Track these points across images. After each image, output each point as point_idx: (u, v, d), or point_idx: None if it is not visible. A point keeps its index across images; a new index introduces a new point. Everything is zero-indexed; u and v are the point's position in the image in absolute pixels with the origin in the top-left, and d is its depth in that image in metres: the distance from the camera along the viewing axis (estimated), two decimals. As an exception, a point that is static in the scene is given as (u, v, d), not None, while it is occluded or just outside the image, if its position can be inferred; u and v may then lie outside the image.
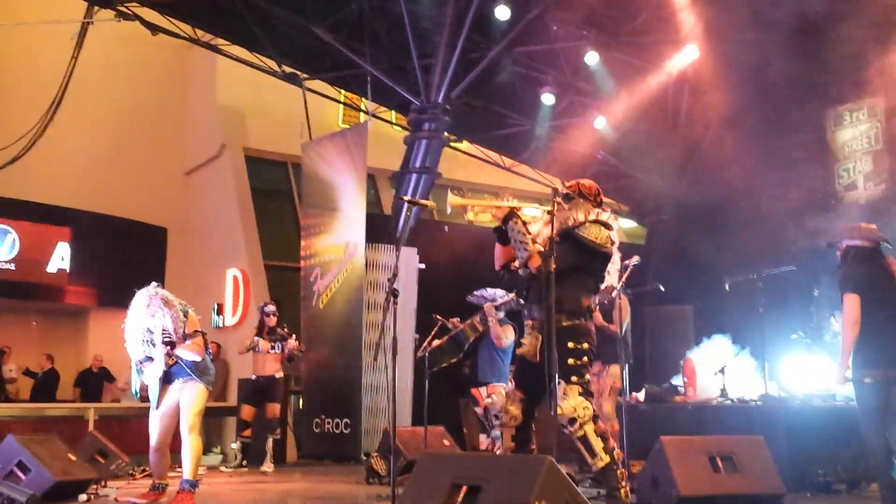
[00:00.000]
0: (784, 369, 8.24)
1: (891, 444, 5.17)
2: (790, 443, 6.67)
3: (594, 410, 4.63)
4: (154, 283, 6.13)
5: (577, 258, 4.65)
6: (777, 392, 7.52)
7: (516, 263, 4.75)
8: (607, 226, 4.70)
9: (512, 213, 4.73)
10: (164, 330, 5.93)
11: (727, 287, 8.41)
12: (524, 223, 4.74)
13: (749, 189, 11.77)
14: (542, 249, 4.60)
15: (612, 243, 4.72)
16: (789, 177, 12.11)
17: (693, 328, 11.71)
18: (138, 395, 6.22)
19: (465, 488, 3.56)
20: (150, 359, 5.99)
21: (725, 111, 12.15)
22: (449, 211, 4.83)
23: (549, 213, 4.57)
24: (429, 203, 4.94)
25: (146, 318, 5.90)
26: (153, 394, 6.11)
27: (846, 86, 11.19)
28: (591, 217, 4.66)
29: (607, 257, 4.76)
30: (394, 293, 4.62)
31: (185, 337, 6.02)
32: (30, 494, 5.14)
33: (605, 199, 5.04)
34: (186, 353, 6.02)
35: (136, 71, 15.16)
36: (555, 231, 4.52)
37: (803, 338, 7.93)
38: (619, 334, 6.96)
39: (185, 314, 6.08)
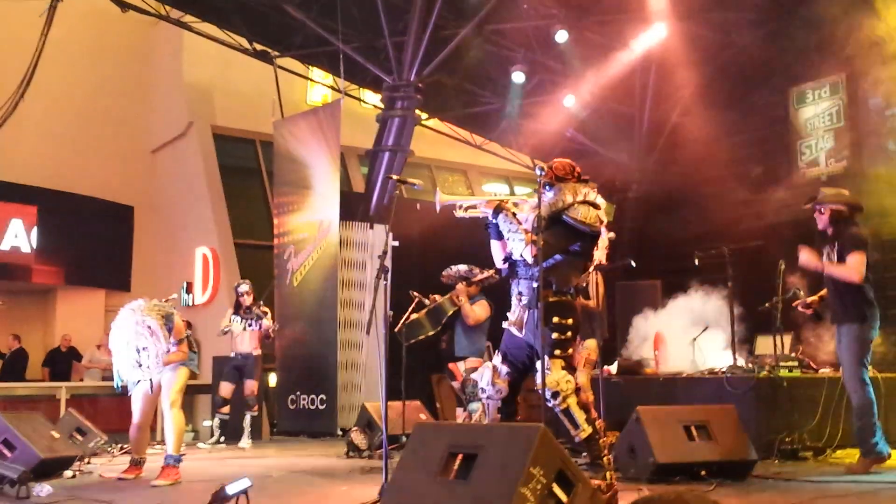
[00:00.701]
0: (752, 341, 8.50)
1: None
2: (758, 412, 6.91)
3: (576, 383, 4.77)
4: (140, 304, 6.08)
5: (568, 240, 4.75)
6: (745, 363, 7.74)
7: (512, 254, 4.84)
8: (595, 205, 4.79)
9: (500, 207, 4.82)
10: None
11: (696, 262, 8.62)
12: (513, 214, 4.84)
13: (715, 165, 12.00)
14: (534, 238, 4.71)
15: (601, 222, 4.82)
16: (754, 153, 12.39)
17: (662, 302, 11.95)
18: (119, 389, 6.27)
19: (460, 456, 3.69)
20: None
21: (692, 89, 12.37)
22: (438, 208, 4.91)
23: (535, 191, 4.67)
24: (418, 181, 5.00)
25: (134, 337, 5.92)
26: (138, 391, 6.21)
27: (809, 64, 11.44)
28: (580, 198, 4.75)
29: (597, 237, 4.87)
30: (384, 270, 4.72)
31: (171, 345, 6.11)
32: (22, 471, 5.18)
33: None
34: (171, 363, 6.12)
35: (101, 48, 14.99)
36: (542, 214, 4.61)
37: (770, 310, 8.15)
38: (597, 310, 7.13)
39: (171, 321, 6.11)
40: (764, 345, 8.48)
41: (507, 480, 3.40)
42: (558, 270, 4.69)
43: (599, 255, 4.99)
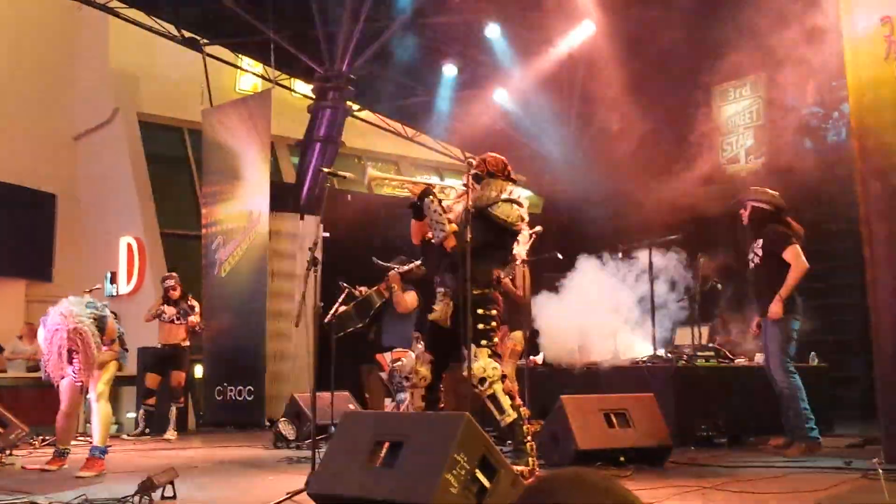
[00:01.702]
0: (671, 332, 8.77)
1: None
2: (676, 401, 7.15)
3: (502, 371, 4.91)
4: (71, 309, 5.89)
5: (489, 235, 4.87)
6: (664, 353, 7.99)
7: (433, 238, 4.94)
8: (518, 203, 4.93)
9: (428, 191, 4.91)
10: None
11: (619, 255, 8.85)
12: (440, 202, 4.93)
13: (640, 160, 12.29)
14: (457, 229, 4.82)
15: (523, 220, 4.96)
16: (678, 149, 12.72)
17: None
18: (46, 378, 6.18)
19: (387, 444, 3.77)
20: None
21: (619, 85, 12.62)
22: (367, 182, 4.98)
23: (464, 185, 4.78)
24: (351, 175, 5.06)
25: (66, 342, 5.78)
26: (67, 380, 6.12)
27: (730, 62, 11.77)
28: (504, 195, 4.88)
29: (517, 234, 5.00)
30: (314, 262, 4.77)
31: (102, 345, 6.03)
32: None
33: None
34: (102, 363, 6.08)
35: (22, 30, 14.57)
36: (469, 206, 4.73)
37: (687, 301, 8.42)
38: (525, 301, 7.29)
39: (104, 322, 6.02)
40: (683, 336, 8.77)
41: (431, 466, 3.50)
42: (479, 264, 4.81)
43: (520, 249, 5.14)
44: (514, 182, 5.03)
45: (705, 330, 8.74)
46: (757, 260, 6.40)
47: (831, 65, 8.11)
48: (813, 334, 8.00)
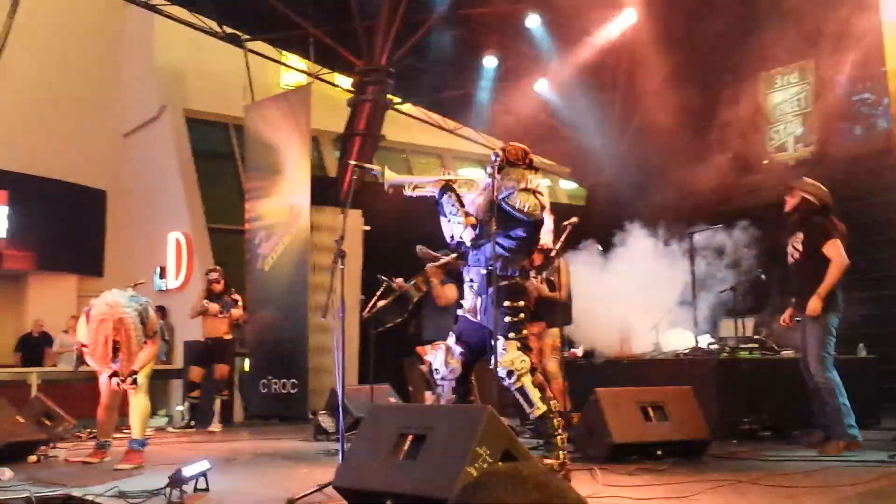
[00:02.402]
0: (715, 323, 8.62)
1: None
2: (718, 394, 7.02)
3: (532, 363, 4.85)
4: (116, 300, 5.93)
5: (508, 226, 4.79)
6: (707, 345, 7.85)
7: (455, 237, 4.90)
8: (537, 192, 4.85)
9: (447, 187, 4.87)
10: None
11: (664, 245, 8.72)
12: (458, 196, 4.89)
13: (685, 150, 12.10)
14: (474, 222, 4.78)
15: (543, 208, 4.88)
16: (723, 138, 12.49)
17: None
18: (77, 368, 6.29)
19: (410, 437, 3.76)
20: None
21: (662, 74, 12.44)
22: (385, 186, 4.95)
23: (489, 175, 4.73)
24: (376, 166, 5.03)
25: (112, 333, 5.84)
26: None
27: (778, 49, 11.53)
28: (521, 185, 4.80)
29: (538, 223, 4.92)
30: (341, 254, 4.76)
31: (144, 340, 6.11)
32: (-20, 455, 5.20)
33: (538, 159, 5.21)
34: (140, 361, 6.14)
35: (70, 31, 14.86)
36: (493, 197, 4.68)
37: (732, 292, 8.26)
38: (559, 299, 7.21)
39: (147, 315, 6.10)
40: (728, 327, 8.61)
41: (453, 459, 3.48)
42: (504, 256, 4.75)
43: (546, 239, 5.06)
44: (536, 170, 4.94)
45: (750, 321, 8.57)
46: (797, 255, 6.23)
47: (881, 50, 7.89)
48: (861, 325, 7.81)
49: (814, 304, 5.95)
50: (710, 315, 8.50)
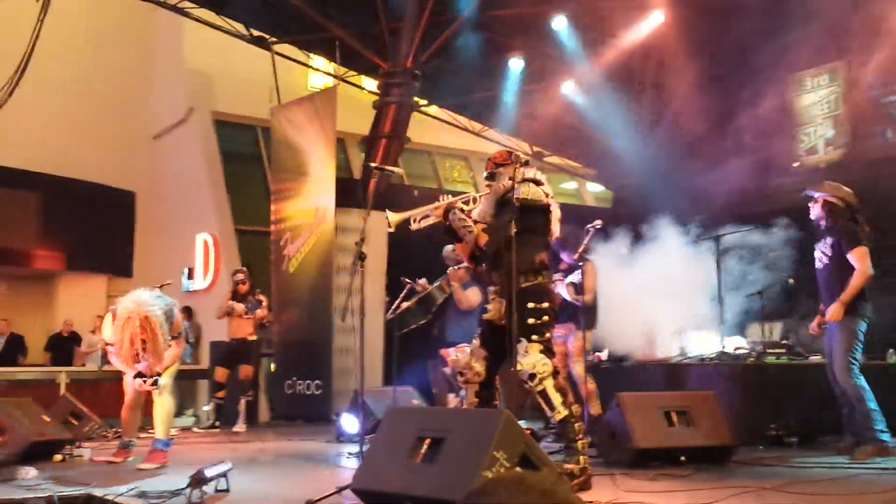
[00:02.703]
0: (742, 327, 8.51)
1: None
2: (744, 399, 6.93)
3: (554, 367, 4.82)
4: (144, 298, 5.99)
5: (518, 220, 4.79)
6: (734, 349, 7.76)
7: (470, 244, 4.94)
8: (537, 181, 4.88)
9: (448, 208, 4.92)
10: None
11: (691, 247, 8.63)
12: (462, 210, 4.93)
13: (713, 152, 11.98)
14: (484, 226, 4.80)
15: (547, 195, 4.90)
16: (752, 141, 12.35)
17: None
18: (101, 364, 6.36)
19: (428, 440, 3.74)
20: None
21: (690, 76, 12.32)
22: (392, 228, 4.99)
23: (510, 179, 4.72)
24: (396, 169, 5.06)
25: (138, 332, 5.87)
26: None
27: (807, 51, 11.38)
28: (518, 178, 4.82)
29: (546, 210, 4.93)
30: (361, 256, 4.76)
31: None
32: (8, 453, 5.26)
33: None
34: (169, 359, 6.20)
35: (100, 34, 15.04)
36: (493, 203, 4.71)
37: (760, 297, 8.16)
38: (586, 303, 7.16)
39: (172, 315, 6.14)
40: (755, 331, 8.50)
41: (470, 464, 3.46)
42: (520, 252, 4.73)
43: (555, 227, 5.04)
44: (527, 163, 4.97)
45: (777, 326, 8.46)
46: (825, 259, 6.13)
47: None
48: (891, 330, 7.67)
49: (835, 310, 5.87)
50: (737, 319, 8.40)
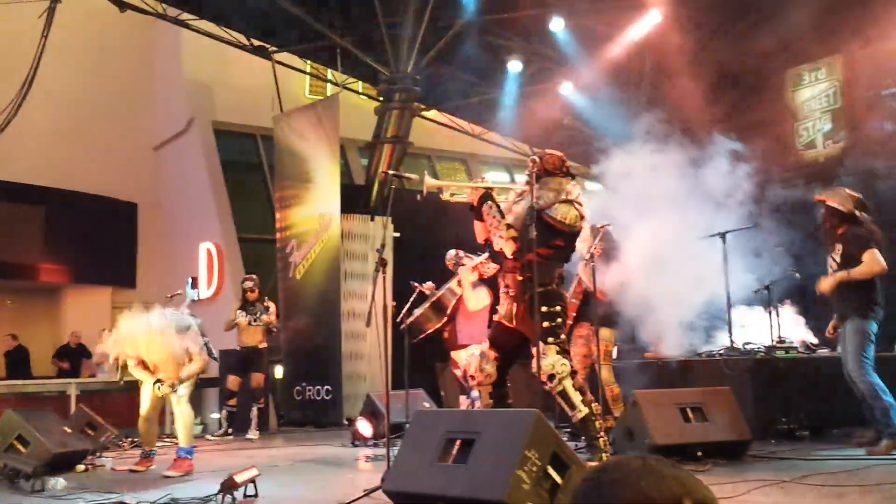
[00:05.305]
0: (749, 323, 8.58)
1: None
2: (755, 393, 7.01)
3: (571, 366, 4.90)
4: (167, 320, 6.16)
5: (548, 237, 4.85)
6: (743, 344, 7.82)
7: (495, 247, 4.97)
8: (577, 203, 4.89)
9: (486, 195, 4.94)
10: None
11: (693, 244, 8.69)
12: (498, 207, 4.95)
13: (711, 150, 12.04)
14: (515, 234, 4.84)
15: (582, 218, 4.93)
16: (751, 137, 12.42)
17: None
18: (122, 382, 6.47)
19: (458, 442, 3.82)
20: None
21: (687, 74, 12.40)
22: (425, 192, 5.02)
23: (526, 183, 4.78)
24: (414, 177, 5.12)
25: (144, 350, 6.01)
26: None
27: (804, 45, 11.47)
28: (562, 196, 4.85)
29: (576, 234, 4.98)
30: (382, 263, 4.83)
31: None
32: (34, 465, 5.32)
33: (572, 164, 5.24)
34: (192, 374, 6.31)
35: (101, 47, 15.07)
36: (534, 204, 4.73)
37: (764, 292, 8.23)
38: (607, 298, 7.16)
39: (183, 330, 6.23)
40: (762, 325, 8.56)
41: (503, 463, 3.53)
42: (541, 264, 4.80)
43: (581, 246, 5.11)
44: (573, 177, 4.99)
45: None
46: (836, 266, 6.20)
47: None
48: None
49: (826, 282, 5.97)
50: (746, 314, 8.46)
